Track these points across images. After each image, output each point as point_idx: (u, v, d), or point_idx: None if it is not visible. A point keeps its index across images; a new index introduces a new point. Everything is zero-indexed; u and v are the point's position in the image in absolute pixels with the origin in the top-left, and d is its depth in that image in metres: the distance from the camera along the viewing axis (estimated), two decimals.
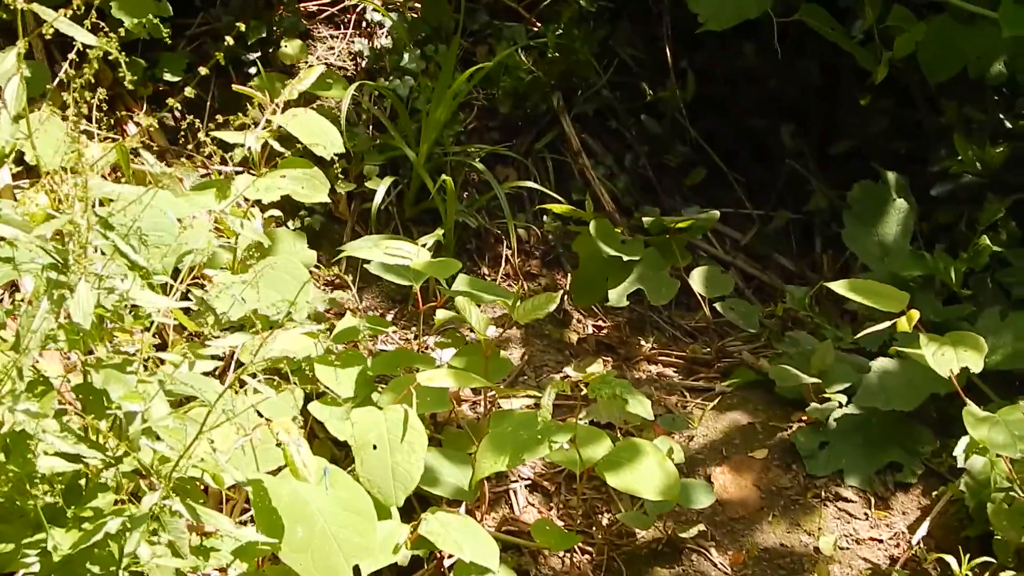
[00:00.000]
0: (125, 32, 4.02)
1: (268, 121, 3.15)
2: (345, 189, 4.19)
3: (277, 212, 3.71)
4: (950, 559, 3.14)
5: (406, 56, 4.49)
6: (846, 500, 3.51)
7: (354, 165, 4.27)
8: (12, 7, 2.03)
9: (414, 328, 3.91)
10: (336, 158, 3.45)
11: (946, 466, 3.57)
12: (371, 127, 4.41)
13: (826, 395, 3.67)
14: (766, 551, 3.37)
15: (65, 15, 2.13)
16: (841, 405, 3.64)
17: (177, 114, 4.47)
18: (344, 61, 4.74)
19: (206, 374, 2.68)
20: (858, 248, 4.22)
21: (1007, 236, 4.11)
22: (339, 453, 3.25)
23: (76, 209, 2.03)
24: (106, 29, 2.30)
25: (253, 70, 4.45)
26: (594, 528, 3.37)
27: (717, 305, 4.10)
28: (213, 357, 2.58)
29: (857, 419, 3.62)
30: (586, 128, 4.70)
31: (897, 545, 3.40)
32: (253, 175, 3.59)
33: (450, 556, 3.03)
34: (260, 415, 2.88)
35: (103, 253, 2.12)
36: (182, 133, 3.91)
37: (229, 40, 2.42)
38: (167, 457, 2.08)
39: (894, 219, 4.25)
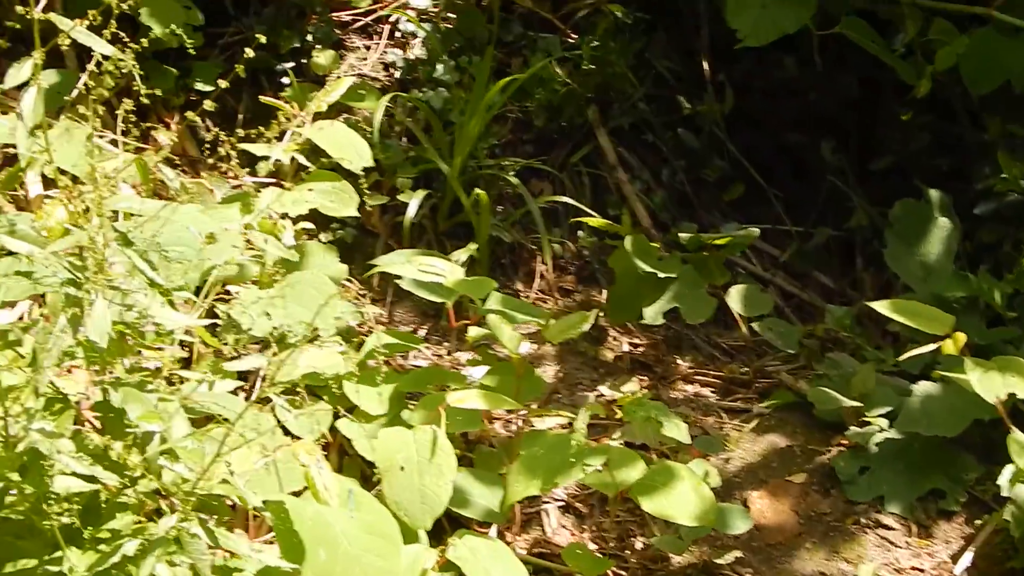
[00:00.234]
0: (153, 40, 4.03)
1: (296, 133, 3.08)
2: (377, 202, 4.12)
3: (309, 224, 3.65)
4: None
5: (440, 67, 4.43)
6: (887, 527, 3.41)
7: (387, 178, 4.20)
8: (28, 16, 1.96)
9: (447, 344, 3.84)
10: (366, 171, 3.40)
11: (990, 494, 3.46)
12: (404, 139, 4.34)
13: (867, 419, 3.57)
14: None
15: (92, 22, 2.04)
16: (882, 429, 3.55)
17: (210, 124, 4.43)
18: (377, 72, 4.68)
19: (233, 392, 2.63)
20: (900, 268, 4.12)
21: None
22: (369, 471, 3.17)
23: (92, 224, 1.97)
24: (125, 40, 2.21)
25: (286, 80, 4.39)
26: (628, 552, 3.28)
27: (755, 325, 4.02)
28: (239, 375, 2.53)
29: (899, 444, 3.52)
30: (622, 142, 4.63)
31: (939, 575, 3.30)
32: (285, 187, 3.55)
33: None
34: (288, 433, 2.83)
35: (123, 269, 2.06)
36: (207, 145, 3.83)
37: (249, 52, 2.35)
38: (186, 478, 2.01)
39: (937, 238, 4.15)
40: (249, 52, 2.33)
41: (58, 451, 1.83)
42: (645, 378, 3.96)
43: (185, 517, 1.95)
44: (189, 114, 2.50)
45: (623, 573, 3.21)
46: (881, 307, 3.16)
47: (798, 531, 3.39)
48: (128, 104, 2.54)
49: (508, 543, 3.13)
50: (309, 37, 4.57)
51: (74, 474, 1.94)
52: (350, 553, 2.41)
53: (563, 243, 4.36)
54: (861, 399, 3.62)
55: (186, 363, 2.99)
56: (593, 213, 4.21)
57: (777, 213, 4.74)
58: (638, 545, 3.30)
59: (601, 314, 4.13)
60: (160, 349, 2.30)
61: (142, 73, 2.22)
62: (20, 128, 1.94)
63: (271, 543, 2.76)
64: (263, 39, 2.55)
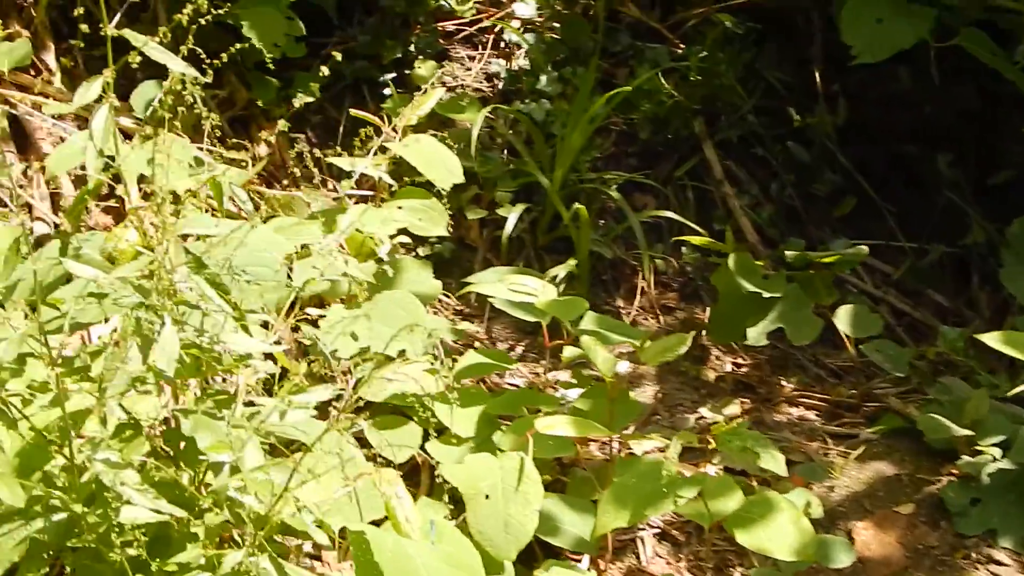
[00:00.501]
0: (254, 51, 4.00)
1: (384, 148, 3.03)
2: (476, 216, 4.06)
3: (406, 239, 3.60)
4: None
5: (543, 79, 4.36)
6: (999, 563, 3.25)
7: (486, 191, 4.14)
8: (103, 33, 1.92)
9: (544, 362, 3.76)
10: (463, 185, 3.34)
11: None
12: (505, 152, 4.27)
13: (979, 447, 3.41)
14: None
15: (162, 39, 1.99)
16: (995, 459, 3.38)
17: (311, 135, 4.40)
18: (480, 82, 4.62)
19: (319, 414, 2.58)
20: (1017, 289, 3.96)
21: None
22: (460, 495, 3.12)
23: (162, 248, 1.92)
24: (195, 58, 2.16)
25: (387, 91, 4.35)
26: None
27: (862, 346, 3.87)
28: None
29: (1013, 475, 3.35)
30: (729, 155, 4.51)
31: None
32: (383, 200, 3.50)
33: None
34: (374, 459, 2.77)
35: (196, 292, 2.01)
36: (293, 159, 3.79)
37: (323, 72, 2.29)
38: (256, 511, 1.95)
39: None
40: (324, 71, 2.25)
41: (121, 482, 1.78)
42: (748, 400, 3.84)
43: (253, 552, 1.89)
44: (282, 123, 2.44)
45: None
46: (991, 340, 3.01)
47: (904, 565, 3.24)
48: (214, 119, 2.50)
49: (601, 572, 3.04)
50: (412, 47, 4.52)
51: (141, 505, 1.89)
52: None
53: (666, 259, 4.25)
54: (973, 427, 3.46)
55: (278, 380, 2.97)
56: (697, 228, 4.11)
57: (890, 228, 4.58)
58: None
59: (703, 333, 4.03)
60: (230, 372, 2.25)
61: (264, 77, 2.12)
62: (90, 148, 1.89)
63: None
64: (336, 56, 2.48)
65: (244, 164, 3.95)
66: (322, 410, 3.17)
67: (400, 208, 2.94)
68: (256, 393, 2.32)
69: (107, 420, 1.83)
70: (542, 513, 2.87)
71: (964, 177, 4.61)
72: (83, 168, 3.86)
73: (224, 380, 2.64)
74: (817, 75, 4.62)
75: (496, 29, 4.73)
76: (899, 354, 3.86)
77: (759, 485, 3.25)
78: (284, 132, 4.31)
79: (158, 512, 1.85)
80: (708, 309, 4.13)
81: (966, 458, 3.43)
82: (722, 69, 4.43)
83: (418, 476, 3.17)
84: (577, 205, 3.88)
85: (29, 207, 3.73)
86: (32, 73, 4.15)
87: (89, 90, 1.96)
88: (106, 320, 1.97)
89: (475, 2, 4.79)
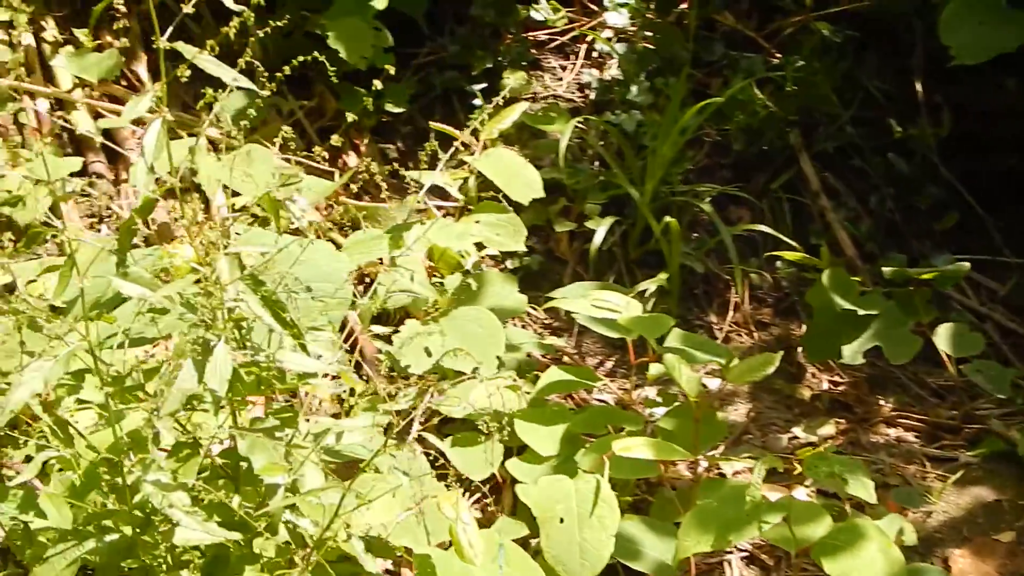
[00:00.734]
0: (341, 61, 3.97)
1: (462, 162, 2.97)
2: (565, 228, 3.99)
3: (495, 251, 3.55)
4: None
5: (634, 89, 4.27)
6: None
7: (576, 203, 4.07)
8: (155, 46, 1.87)
9: (635, 377, 3.67)
10: (547, 197, 3.27)
11: None
12: (596, 163, 4.20)
13: None
14: None
15: (211, 51, 1.94)
16: None
17: (401, 145, 4.37)
18: (572, 93, 4.56)
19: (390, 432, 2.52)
20: None
21: None
22: None
23: (219, 264, 1.87)
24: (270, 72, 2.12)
25: (477, 102, 4.30)
26: None
27: (963, 367, 3.73)
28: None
29: None
30: (827, 167, 4.38)
31: None
32: (469, 211, 3.44)
33: None
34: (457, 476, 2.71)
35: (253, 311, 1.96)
36: (380, 170, 3.74)
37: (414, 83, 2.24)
38: (311, 534, 1.90)
39: None
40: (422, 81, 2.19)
41: (170, 505, 1.74)
42: (843, 420, 3.72)
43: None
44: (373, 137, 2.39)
45: None
46: None
47: None
48: (286, 132, 2.46)
49: None
50: (502, 58, 4.47)
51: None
52: None
53: (760, 274, 4.13)
54: None
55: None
56: (792, 243, 3.99)
57: (995, 243, 4.40)
58: None
59: (799, 350, 3.92)
60: (293, 391, 2.20)
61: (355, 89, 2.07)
62: (140, 164, 1.84)
63: None
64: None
65: (331, 175, 3.94)
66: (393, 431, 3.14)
67: (478, 222, 2.87)
68: (325, 411, 2.28)
69: (160, 439, 1.78)
70: (622, 536, 2.79)
71: None
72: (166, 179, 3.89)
73: (295, 397, 2.59)
74: (919, 85, 4.47)
75: (589, 39, 4.66)
76: (1001, 374, 3.71)
77: (852, 509, 3.14)
78: (373, 142, 4.30)
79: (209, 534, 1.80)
80: (804, 325, 4.01)
81: None
82: (819, 79, 4.30)
83: (500, 494, 3.11)
84: (667, 218, 3.79)
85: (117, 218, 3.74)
86: (124, 84, 4.17)
87: (139, 104, 1.91)
88: (167, 338, 1.93)
89: (567, 11, 4.72)
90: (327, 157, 4.20)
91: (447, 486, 3.12)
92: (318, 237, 3.81)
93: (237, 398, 2.07)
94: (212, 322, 1.84)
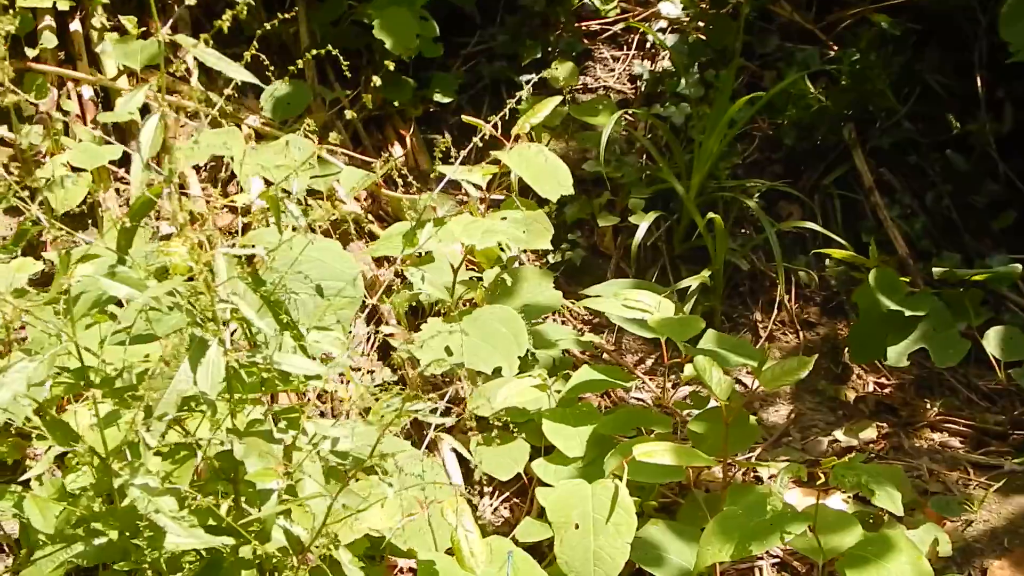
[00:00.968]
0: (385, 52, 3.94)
1: (494, 157, 2.94)
2: (608, 223, 3.94)
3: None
4: None
5: (684, 81, 4.20)
6: None
7: (620, 198, 4.01)
8: (157, 38, 1.85)
9: (673, 375, 3.61)
10: (591, 191, 3.22)
11: None
12: (644, 157, 4.13)
13: None
14: None
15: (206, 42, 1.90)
16: None
17: (448, 136, 4.33)
18: (624, 84, 4.49)
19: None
20: None
21: None
22: None
23: (217, 263, 1.84)
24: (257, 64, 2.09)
25: (526, 93, 4.25)
26: None
27: (1012, 371, 3.63)
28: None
29: None
30: (882, 163, 4.28)
31: None
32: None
33: None
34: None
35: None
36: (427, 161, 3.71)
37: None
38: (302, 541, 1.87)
39: None
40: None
41: (156, 510, 1.71)
42: (887, 423, 3.63)
43: None
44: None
45: None
46: None
47: None
48: (310, 123, 2.42)
49: None
50: (552, 48, 4.41)
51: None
52: None
53: (808, 272, 4.05)
54: None
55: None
56: (841, 240, 3.90)
57: None
58: None
59: (846, 351, 3.84)
60: (298, 391, 2.17)
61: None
62: (135, 160, 1.82)
63: None
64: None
65: (372, 166, 3.90)
66: (416, 426, 3.11)
67: (504, 219, 2.83)
68: (345, 411, 2.24)
69: (149, 442, 1.76)
70: (646, 541, 2.74)
71: None
72: (209, 164, 3.88)
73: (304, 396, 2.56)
74: (979, 80, 4.35)
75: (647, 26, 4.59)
76: None
77: (889, 517, 3.06)
78: (419, 133, 4.27)
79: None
80: (851, 325, 3.92)
81: None
82: (874, 73, 4.20)
83: (526, 495, 3.07)
84: (711, 214, 3.72)
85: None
86: (170, 72, 4.15)
87: (133, 99, 1.88)
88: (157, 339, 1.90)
89: (620, 1, 4.65)
90: (371, 147, 4.18)
91: (475, 485, 3.10)
92: (358, 228, 3.80)
93: (246, 397, 2.05)
94: (204, 323, 1.82)
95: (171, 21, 4.03)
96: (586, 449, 2.89)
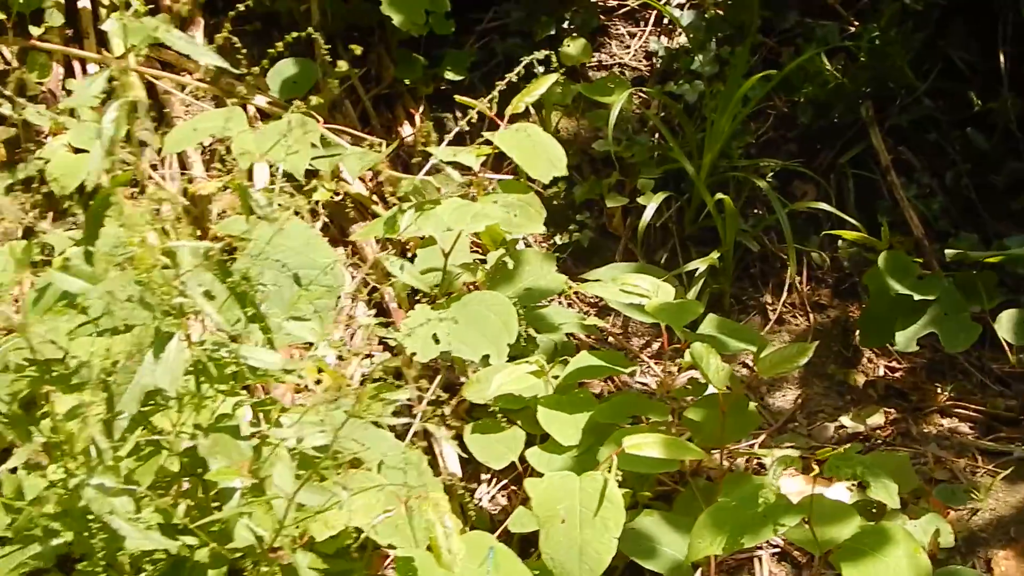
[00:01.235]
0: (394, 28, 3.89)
1: (483, 137, 2.89)
2: (617, 204, 3.88)
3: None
4: None
5: (699, 58, 4.12)
6: None
7: (631, 178, 3.96)
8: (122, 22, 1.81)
9: (680, 360, 3.56)
10: (600, 170, 3.16)
11: None
12: (656, 136, 4.07)
13: None
14: None
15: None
16: None
17: (459, 115, 4.28)
18: (639, 61, 4.42)
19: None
20: None
21: None
22: None
23: (180, 255, 1.81)
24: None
25: (540, 70, 4.19)
26: None
27: (1023, 356, 3.56)
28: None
29: None
30: (900, 142, 4.19)
31: None
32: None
33: None
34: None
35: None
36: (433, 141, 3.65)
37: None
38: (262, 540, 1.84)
39: None
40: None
41: (111, 511, 1.69)
42: (896, 408, 3.57)
43: None
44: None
45: None
46: None
47: None
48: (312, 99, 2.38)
49: None
50: (567, 24, 4.35)
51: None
52: None
53: (821, 253, 3.98)
54: None
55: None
56: (853, 221, 3.83)
57: None
58: None
59: (857, 334, 3.78)
60: (276, 381, 2.14)
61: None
62: (96, 147, 1.78)
63: None
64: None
65: (379, 146, 3.86)
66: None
67: (495, 203, 2.78)
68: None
69: (100, 443, 1.73)
70: (638, 532, 2.71)
71: None
72: (207, 144, 3.85)
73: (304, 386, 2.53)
74: (1002, 56, 4.25)
75: (661, 2, 4.52)
76: None
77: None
78: (430, 111, 4.22)
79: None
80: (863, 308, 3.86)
81: None
82: (893, 49, 4.10)
83: (521, 484, 3.04)
84: (721, 195, 3.66)
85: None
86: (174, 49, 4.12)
87: (92, 85, 1.84)
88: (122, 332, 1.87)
89: None
90: (380, 126, 4.14)
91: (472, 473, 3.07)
92: (364, 209, 3.76)
93: (217, 390, 2.02)
94: (163, 317, 1.79)
95: None
96: (582, 437, 2.85)
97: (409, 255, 3.61)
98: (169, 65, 4.03)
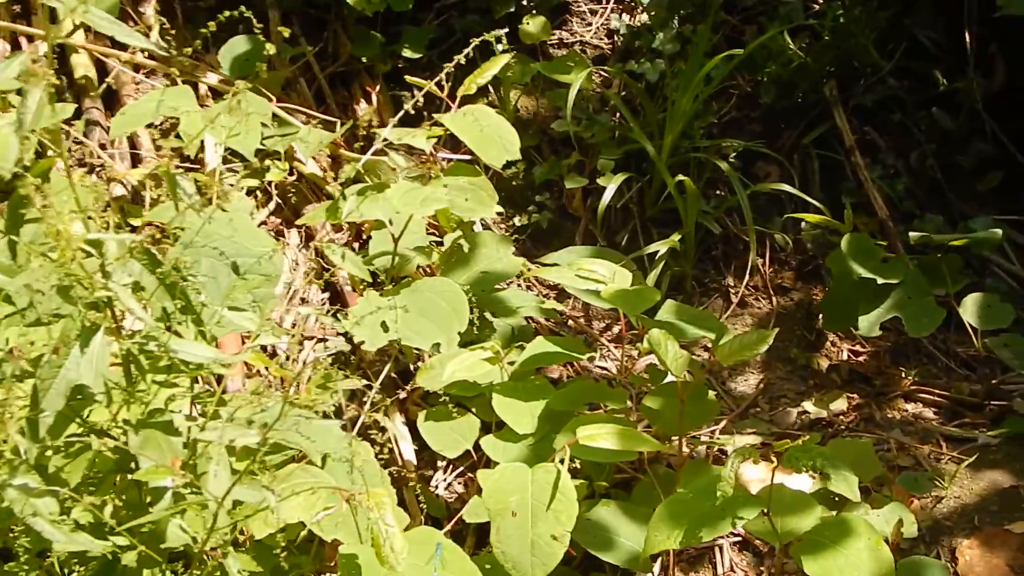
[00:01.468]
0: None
1: (433, 120, 2.81)
2: (576, 185, 3.81)
3: (500, 208, 3.38)
4: None
5: (660, 36, 4.04)
6: None
7: (590, 158, 3.88)
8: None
9: (634, 346, 3.49)
10: (560, 151, 3.09)
11: None
12: (617, 116, 3.99)
13: None
14: None
15: None
16: None
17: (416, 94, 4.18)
18: (601, 39, 4.34)
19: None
20: None
21: None
22: None
23: (106, 245, 1.72)
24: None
25: (499, 48, 4.10)
26: None
27: (988, 340, 3.50)
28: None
29: None
30: (865, 122, 4.13)
31: None
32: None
33: None
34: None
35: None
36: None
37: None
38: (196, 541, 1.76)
39: None
40: None
41: (34, 513, 1.60)
42: (859, 393, 3.52)
43: None
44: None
45: None
46: None
47: None
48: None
49: None
50: (526, 1, 4.26)
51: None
52: None
53: (784, 235, 3.91)
54: None
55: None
56: (816, 203, 3.76)
57: None
58: None
59: (820, 317, 3.72)
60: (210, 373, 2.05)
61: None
62: (12, 139, 1.70)
63: None
64: None
65: (333, 125, 3.77)
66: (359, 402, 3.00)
67: (445, 187, 2.69)
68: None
69: (20, 445, 1.64)
70: (594, 523, 2.65)
71: None
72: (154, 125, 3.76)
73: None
74: (968, 35, 4.19)
75: None
76: None
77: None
78: (387, 90, 4.13)
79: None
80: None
81: None
82: (858, 27, 4.04)
83: (475, 473, 2.97)
84: (681, 176, 3.59)
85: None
86: (130, 25, 4.03)
87: (8, 68, 1.75)
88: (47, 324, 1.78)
89: None
90: (336, 105, 4.05)
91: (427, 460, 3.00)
92: (319, 190, 3.68)
93: (154, 383, 1.94)
94: (86, 309, 1.70)
95: None
96: (537, 425, 2.78)
97: (365, 236, 3.53)
98: (119, 43, 3.93)
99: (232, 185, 3.59)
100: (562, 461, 2.47)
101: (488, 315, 3.14)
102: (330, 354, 3.21)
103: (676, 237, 3.60)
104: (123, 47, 3.92)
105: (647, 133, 3.75)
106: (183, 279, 1.83)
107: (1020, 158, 4.16)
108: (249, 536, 2.20)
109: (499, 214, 3.76)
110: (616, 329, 3.63)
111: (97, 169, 3.62)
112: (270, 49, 3.40)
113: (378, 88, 4.09)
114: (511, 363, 2.93)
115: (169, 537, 1.80)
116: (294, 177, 3.69)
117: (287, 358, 2.74)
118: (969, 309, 3.51)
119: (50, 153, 1.97)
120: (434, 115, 2.86)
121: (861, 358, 3.67)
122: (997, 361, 3.62)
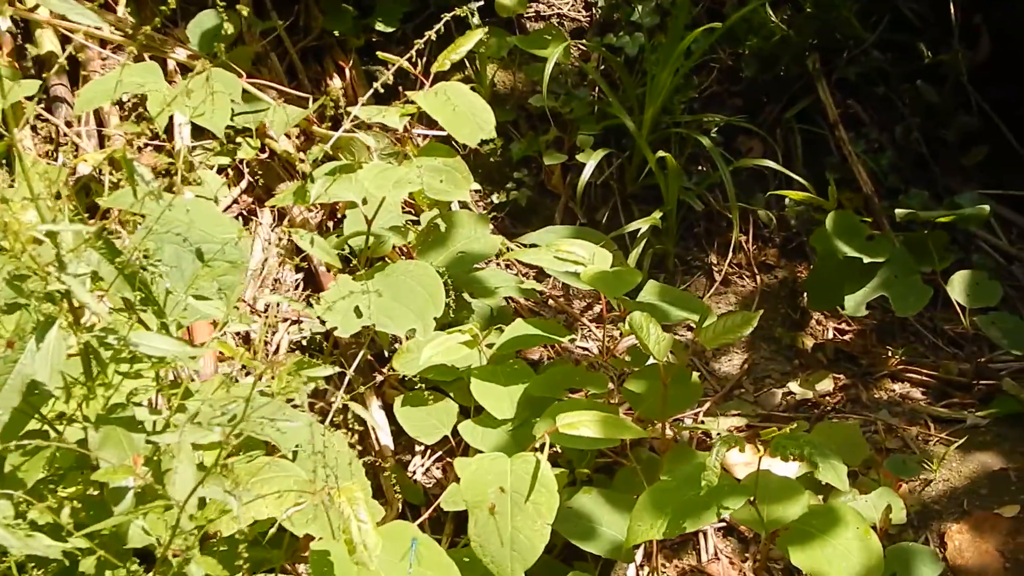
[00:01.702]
0: None
1: (406, 98, 2.71)
2: (555, 161, 3.72)
3: (478, 185, 3.29)
4: None
5: (639, 9, 3.95)
6: None
7: (569, 134, 3.79)
8: None
9: (615, 327, 3.41)
10: (538, 127, 3.00)
11: None
12: (596, 91, 3.90)
13: None
14: None
15: None
16: None
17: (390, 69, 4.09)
18: (579, 12, 4.24)
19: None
20: None
21: None
22: None
23: (62, 235, 1.63)
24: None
25: (475, 21, 4.00)
26: None
27: (976, 319, 3.44)
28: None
29: None
30: (849, 95, 4.05)
31: None
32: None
33: None
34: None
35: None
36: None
37: None
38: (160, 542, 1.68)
39: None
40: None
41: None
42: (845, 373, 3.45)
43: None
44: None
45: None
46: None
47: None
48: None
49: (651, 569, 2.73)
50: None
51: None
52: None
53: (767, 211, 3.84)
54: None
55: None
56: (799, 178, 3.69)
57: None
58: None
59: (805, 295, 3.65)
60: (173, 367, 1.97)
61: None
62: None
63: None
64: None
65: (305, 101, 3.67)
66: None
67: (420, 168, 2.60)
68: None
69: None
70: (575, 512, 2.58)
71: None
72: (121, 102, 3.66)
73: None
74: (952, 6, 4.12)
75: None
76: (1018, 329, 3.41)
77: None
78: (360, 65, 4.03)
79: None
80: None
81: None
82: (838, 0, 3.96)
83: (453, 458, 2.89)
84: (662, 152, 3.51)
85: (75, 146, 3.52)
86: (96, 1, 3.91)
87: None
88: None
89: None
90: (309, 80, 3.95)
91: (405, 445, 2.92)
92: (292, 167, 3.59)
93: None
94: (40, 301, 1.62)
95: None
96: (517, 410, 2.70)
97: (340, 214, 3.44)
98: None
99: (202, 163, 3.51)
100: (542, 449, 2.38)
101: (466, 296, 3.06)
102: (303, 337, 3.13)
103: (658, 214, 3.52)
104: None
105: (627, 108, 3.66)
106: (144, 268, 1.74)
107: (1005, 130, 4.11)
108: (219, 531, 2.11)
109: (476, 191, 3.68)
110: (597, 308, 3.55)
111: (63, 147, 3.52)
112: (228, 28, 3.31)
113: (351, 63, 3.99)
114: (490, 346, 2.84)
115: (131, 539, 1.72)
116: (266, 155, 3.59)
117: (260, 342, 2.65)
118: (957, 287, 3.44)
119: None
120: (407, 92, 2.77)
121: (847, 337, 3.60)
122: (985, 339, 3.56)
